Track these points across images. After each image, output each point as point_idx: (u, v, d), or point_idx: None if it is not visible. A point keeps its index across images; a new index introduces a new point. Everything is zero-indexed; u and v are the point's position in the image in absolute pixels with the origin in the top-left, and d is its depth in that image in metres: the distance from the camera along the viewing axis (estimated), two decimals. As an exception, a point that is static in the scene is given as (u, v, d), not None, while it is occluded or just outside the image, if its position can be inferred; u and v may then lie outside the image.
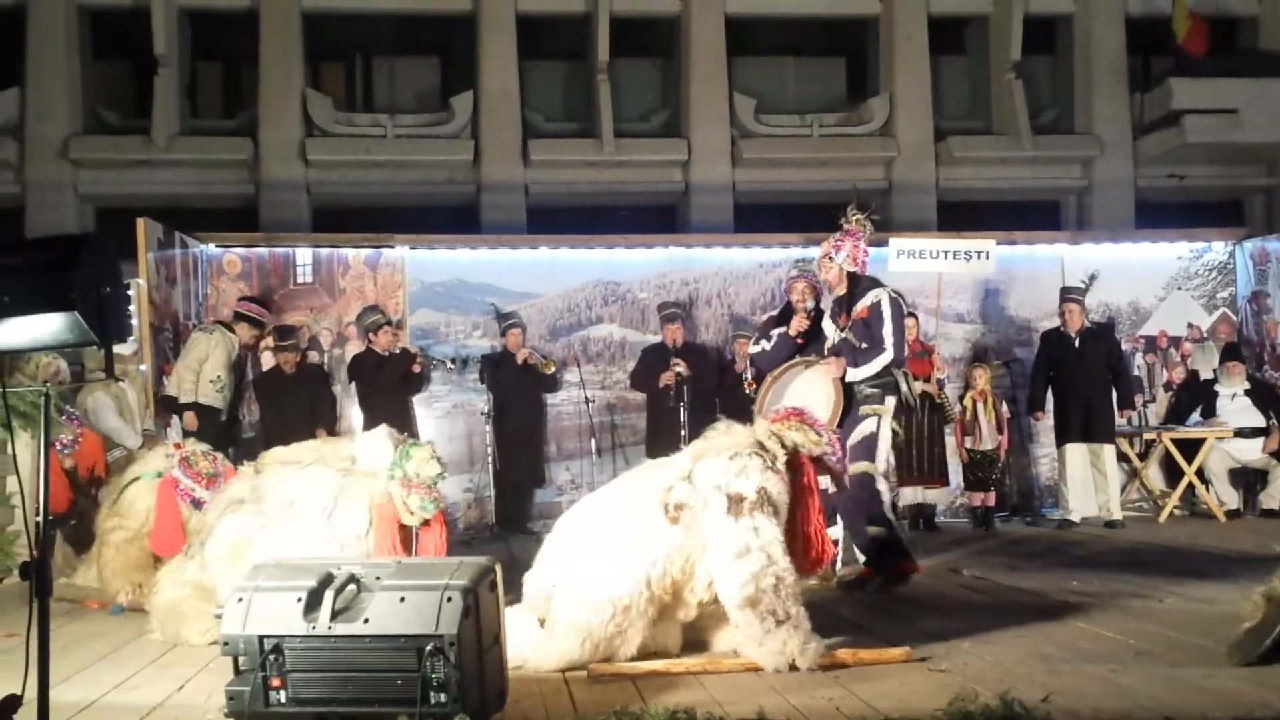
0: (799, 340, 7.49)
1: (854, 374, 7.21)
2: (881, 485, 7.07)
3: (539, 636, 5.04)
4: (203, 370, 9.49)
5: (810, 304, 7.51)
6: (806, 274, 7.67)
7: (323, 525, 5.54)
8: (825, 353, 7.34)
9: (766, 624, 4.81)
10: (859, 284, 7.38)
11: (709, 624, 5.26)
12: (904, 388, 7.25)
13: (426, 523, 5.67)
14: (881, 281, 7.53)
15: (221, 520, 5.82)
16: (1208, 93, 15.48)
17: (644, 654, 5.00)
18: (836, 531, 7.04)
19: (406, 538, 5.65)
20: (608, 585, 4.91)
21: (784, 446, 5.19)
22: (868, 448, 7.09)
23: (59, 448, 8.10)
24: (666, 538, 4.95)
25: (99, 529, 7.17)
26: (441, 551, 5.67)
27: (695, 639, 5.30)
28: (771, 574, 4.83)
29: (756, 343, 7.89)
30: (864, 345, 7.17)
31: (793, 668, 4.79)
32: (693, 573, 4.99)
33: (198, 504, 6.74)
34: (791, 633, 4.81)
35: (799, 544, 5.14)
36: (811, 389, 7.25)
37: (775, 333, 7.62)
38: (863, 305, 7.27)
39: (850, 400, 7.17)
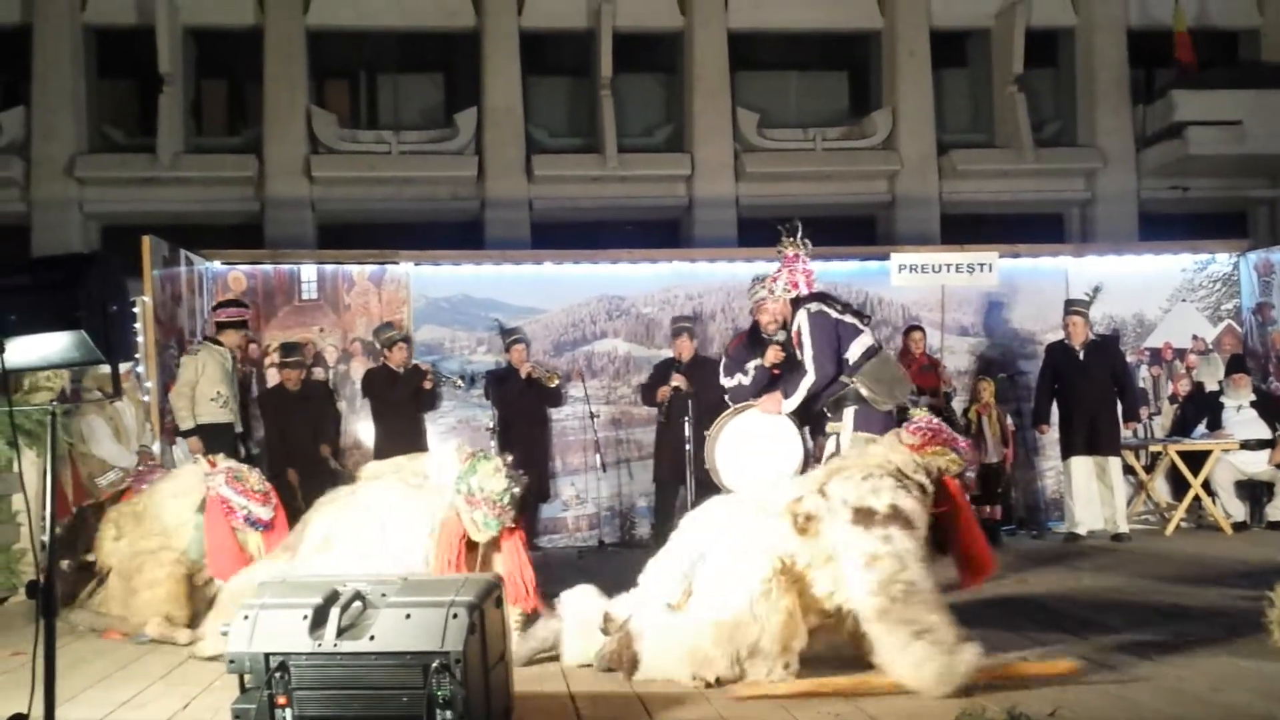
0: (776, 372, 7.42)
1: (787, 405, 7.17)
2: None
3: (669, 640, 4.97)
4: (198, 391, 9.38)
5: (781, 333, 7.40)
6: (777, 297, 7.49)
7: (380, 539, 5.50)
8: None
9: (899, 636, 4.57)
10: (794, 308, 7.30)
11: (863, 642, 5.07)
12: (867, 393, 7.03)
13: (500, 540, 5.53)
14: (815, 295, 7.38)
15: (316, 516, 5.83)
16: (1211, 104, 15.50)
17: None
18: None
19: (477, 556, 5.53)
20: (741, 574, 4.85)
21: (929, 475, 5.00)
22: None
23: None
24: (792, 543, 4.86)
25: (131, 550, 6.81)
26: (519, 572, 5.49)
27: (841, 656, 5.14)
28: (901, 580, 4.62)
29: (730, 374, 7.79)
30: (797, 372, 7.15)
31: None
32: (811, 581, 4.87)
33: (255, 524, 6.57)
34: (930, 648, 4.54)
35: (961, 561, 5.01)
36: (764, 432, 7.26)
37: (751, 366, 7.55)
38: (794, 330, 7.23)
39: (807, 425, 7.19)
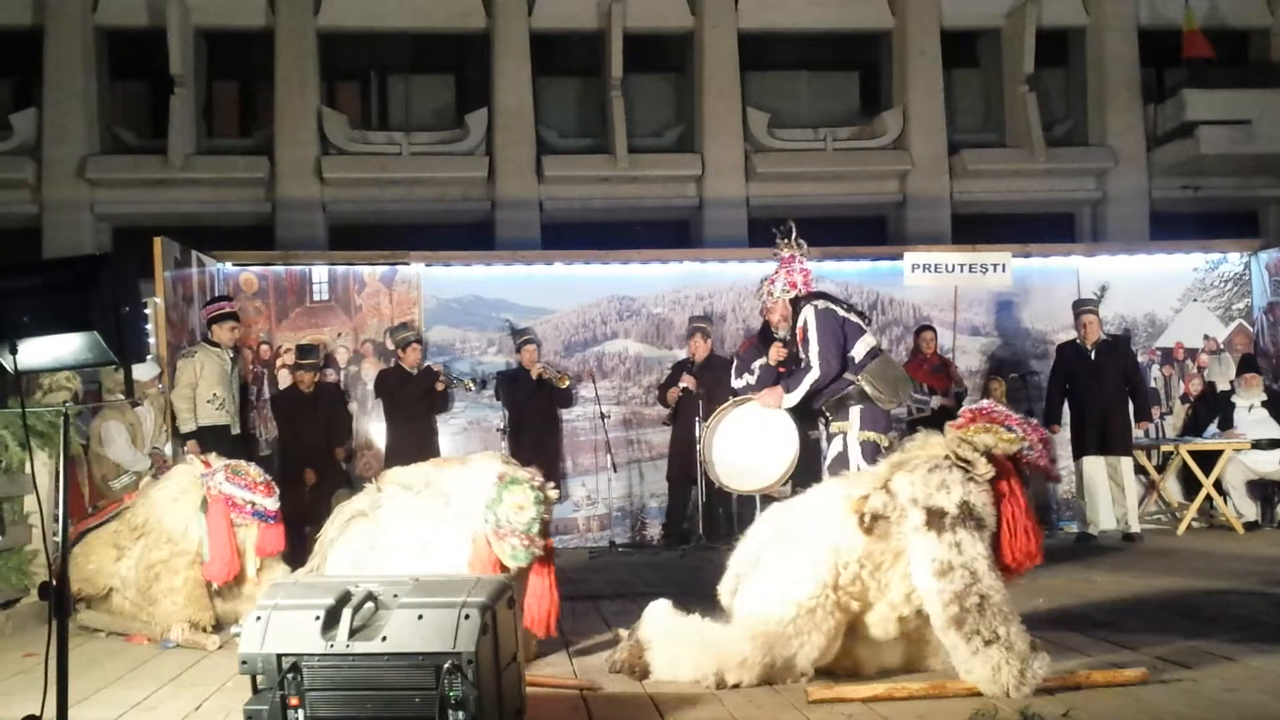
0: (781, 370, 7.42)
1: (788, 400, 7.16)
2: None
3: (712, 637, 4.91)
4: (197, 393, 9.36)
5: (786, 330, 7.42)
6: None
7: (421, 556, 5.26)
8: None
9: (974, 644, 4.52)
10: (797, 306, 7.31)
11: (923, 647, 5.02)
12: (872, 392, 7.06)
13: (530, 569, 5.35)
14: (819, 294, 7.43)
15: (345, 533, 5.61)
16: (1222, 104, 15.47)
17: (834, 671, 4.87)
18: None
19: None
20: (792, 584, 4.77)
21: (976, 450, 4.84)
22: (840, 468, 6.99)
23: None
24: (856, 542, 4.76)
25: (144, 564, 6.70)
26: (541, 596, 5.35)
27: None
28: (975, 592, 4.54)
29: (739, 375, 7.81)
30: (800, 367, 7.14)
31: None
32: (886, 584, 4.78)
33: (264, 515, 6.47)
34: (1004, 653, 4.48)
35: (1007, 546, 4.82)
36: (761, 425, 7.24)
37: (756, 365, 7.57)
38: (798, 327, 7.22)
39: (809, 426, 7.16)
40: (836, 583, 4.76)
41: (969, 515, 4.64)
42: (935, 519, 4.64)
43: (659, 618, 5.17)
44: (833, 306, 7.23)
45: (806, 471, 7.29)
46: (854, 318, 7.30)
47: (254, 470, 6.68)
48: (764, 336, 7.78)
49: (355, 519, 5.66)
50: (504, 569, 5.25)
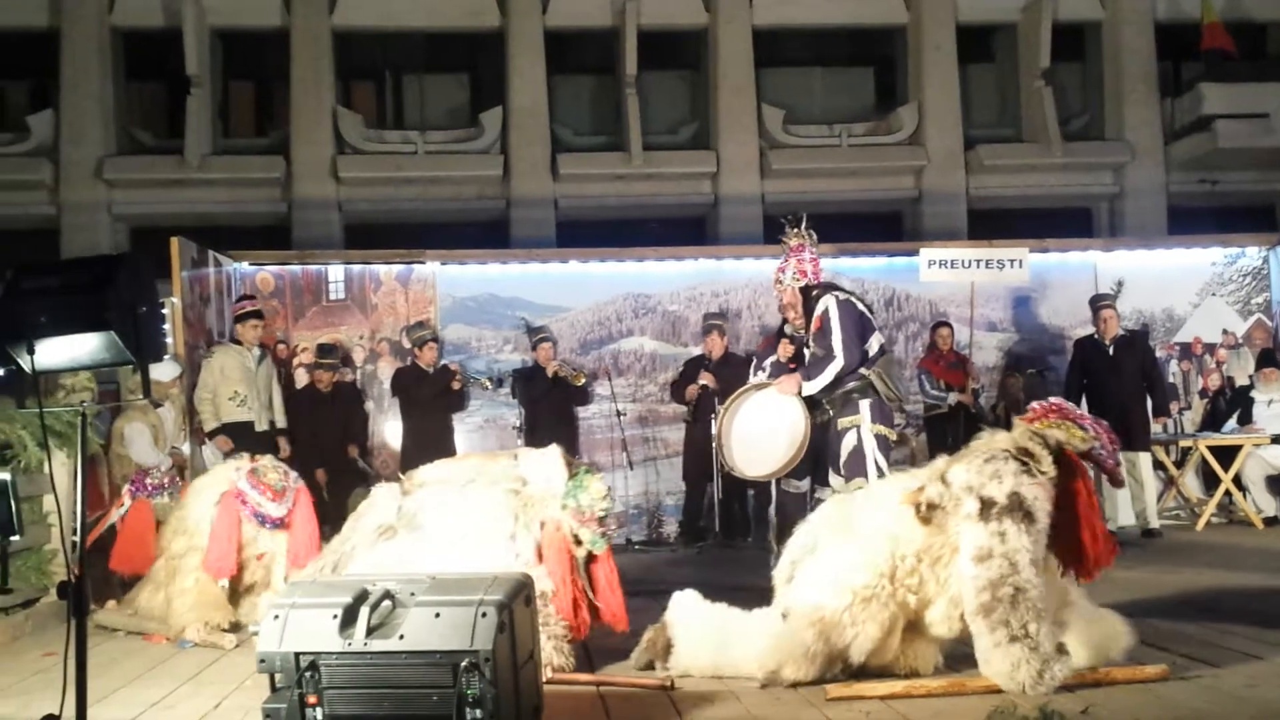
0: (791, 366, 7.38)
1: (809, 388, 7.10)
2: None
3: (767, 630, 4.90)
4: (218, 392, 9.46)
5: (798, 320, 7.37)
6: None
7: (506, 550, 5.21)
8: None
9: (998, 635, 4.51)
10: (811, 295, 7.28)
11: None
12: (882, 387, 7.05)
13: (591, 555, 5.37)
14: (836, 286, 7.44)
15: (372, 553, 5.44)
16: (1239, 97, 15.40)
17: (892, 669, 4.85)
18: None
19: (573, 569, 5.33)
20: (849, 571, 4.76)
21: (1048, 447, 4.81)
22: (856, 462, 6.98)
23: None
24: (915, 534, 4.76)
25: (165, 557, 6.81)
26: (614, 588, 5.40)
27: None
28: (1010, 584, 4.51)
29: (755, 372, 7.79)
30: (821, 355, 7.12)
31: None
32: (946, 580, 4.74)
33: (264, 520, 6.51)
34: (1027, 652, 4.46)
35: (1075, 547, 4.80)
36: (773, 410, 7.20)
37: (768, 362, 7.54)
38: (815, 315, 7.18)
39: (818, 413, 7.12)
40: (894, 574, 4.75)
41: (1018, 507, 4.62)
42: (985, 508, 4.63)
43: (686, 605, 5.18)
44: (852, 299, 7.23)
45: (808, 460, 7.22)
46: (868, 313, 7.30)
47: (275, 475, 6.68)
48: (782, 335, 7.75)
49: (384, 534, 5.53)
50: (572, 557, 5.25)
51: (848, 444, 7.05)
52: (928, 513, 4.74)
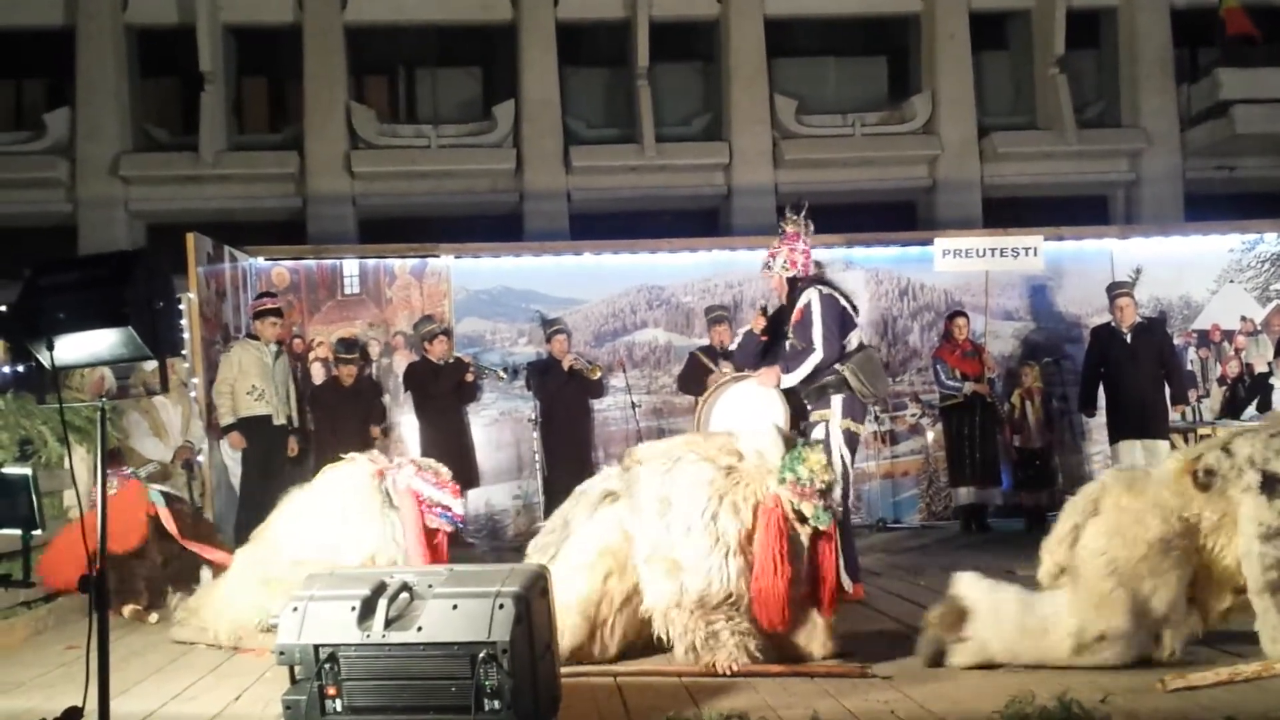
0: (764, 337, 7.45)
1: (787, 380, 7.15)
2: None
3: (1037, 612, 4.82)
4: (236, 386, 9.50)
5: (776, 304, 7.48)
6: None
7: (705, 524, 5.01)
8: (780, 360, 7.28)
9: None
10: (796, 287, 7.30)
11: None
12: (855, 384, 7.03)
13: (818, 532, 5.10)
14: (822, 279, 7.40)
15: (592, 519, 5.37)
16: (1256, 82, 15.32)
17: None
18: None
19: (792, 550, 5.04)
20: (1136, 524, 4.72)
21: None
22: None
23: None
24: (1190, 501, 4.73)
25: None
26: (831, 567, 5.16)
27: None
28: None
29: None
30: (800, 348, 7.13)
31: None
32: (1219, 548, 4.73)
33: (451, 519, 6.04)
34: None
35: None
36: (755, 400, 7.24)
37: (741, 331, 7.60)
38: (798, 307, 7.20)
39: (797, 405, 7.15)
40: (1184, 530, 4.72)
41: None
42: (1270, 483, 4.60)
43: (974, 584, 5.04)
44: (835, 294, 7.25)
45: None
46: (850, 309, 7.31)
47: (444, 469, 6.19)
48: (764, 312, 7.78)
49: (607, 498, 5.42)
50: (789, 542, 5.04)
51: (816, 436, 7.06)
52: (1206, 478, 4.73)
